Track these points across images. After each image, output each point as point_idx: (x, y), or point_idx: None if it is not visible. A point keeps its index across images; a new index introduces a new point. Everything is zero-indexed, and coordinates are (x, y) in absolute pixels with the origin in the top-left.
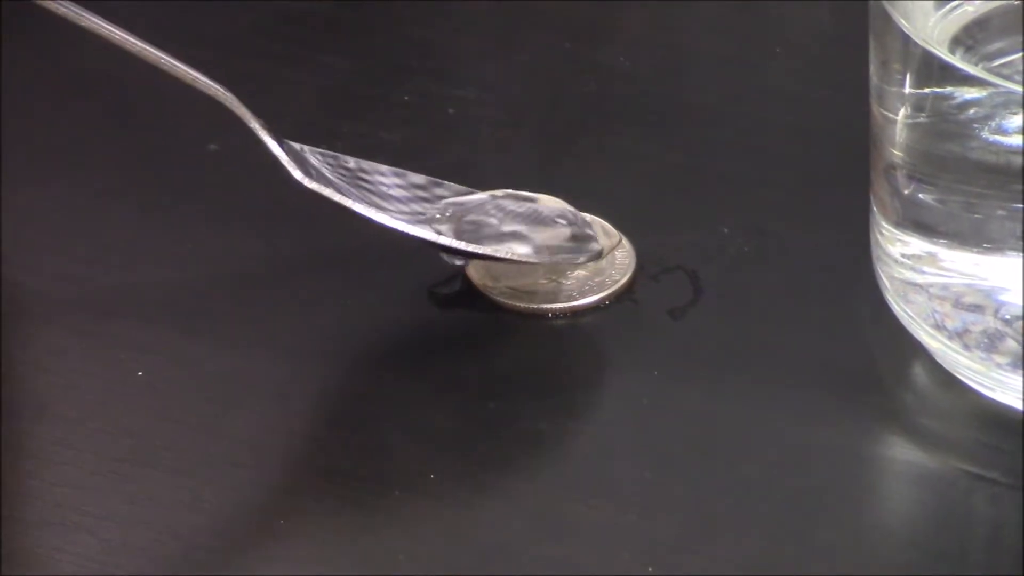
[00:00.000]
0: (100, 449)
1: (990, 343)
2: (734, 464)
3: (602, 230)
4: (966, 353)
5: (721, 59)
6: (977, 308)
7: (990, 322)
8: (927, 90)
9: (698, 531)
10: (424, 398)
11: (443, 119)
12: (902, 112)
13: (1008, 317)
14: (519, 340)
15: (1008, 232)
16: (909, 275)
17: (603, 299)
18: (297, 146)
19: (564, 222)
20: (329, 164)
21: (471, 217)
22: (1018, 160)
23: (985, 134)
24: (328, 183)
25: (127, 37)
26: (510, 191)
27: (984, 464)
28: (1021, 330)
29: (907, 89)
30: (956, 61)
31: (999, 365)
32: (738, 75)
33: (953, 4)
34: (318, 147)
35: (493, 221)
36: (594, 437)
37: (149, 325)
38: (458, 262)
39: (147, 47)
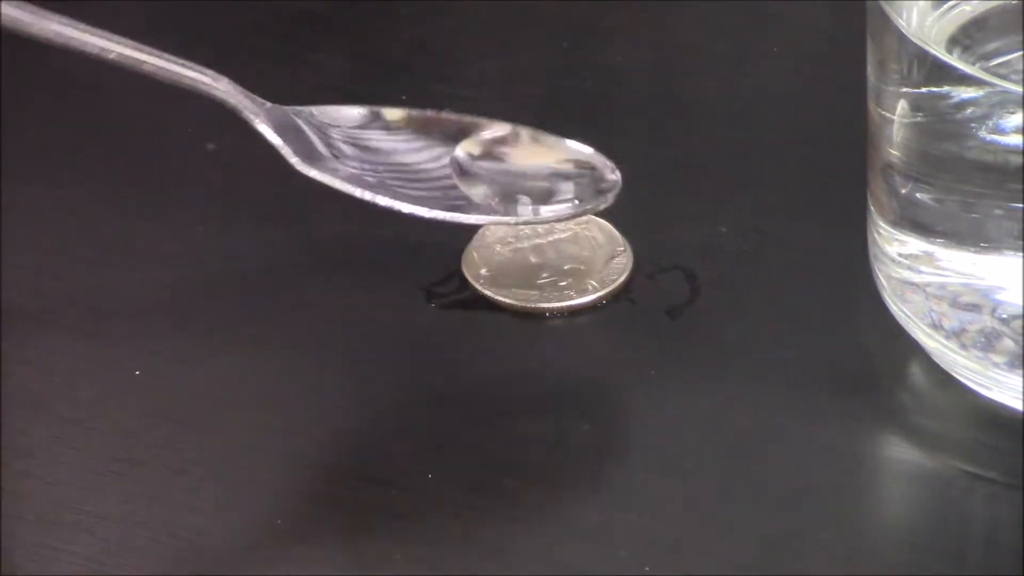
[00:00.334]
0: (98, 448)
1: (987, 342)
2: (731, 464)
3: (599, 229)
4: (963, 352)
5: (718, 58)
6: (974, 307)
7: (987, 321)
8: (924, 89)
9: (696, 531)
10: (421, 397)
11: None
12: (899, 111)
13: (1005, 316)
14: (516, 340)
15: (1005, 231)
16: (906, 274)
17: (600, 298)
18: (297, 117)
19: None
20: (328, 134)
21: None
22: (1015, 159)
23: (982, 133)
24: (328, 168)
25: (106, 44)
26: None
27: (981, 463)
28: (1018, 329)
29: (904, 88)
30: (953, 61)
31: (996, 364)
32: (736, 74)
33: (950, 4)
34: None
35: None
36: (591, 436)
37: (147, 325)
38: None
39: (128, 51)
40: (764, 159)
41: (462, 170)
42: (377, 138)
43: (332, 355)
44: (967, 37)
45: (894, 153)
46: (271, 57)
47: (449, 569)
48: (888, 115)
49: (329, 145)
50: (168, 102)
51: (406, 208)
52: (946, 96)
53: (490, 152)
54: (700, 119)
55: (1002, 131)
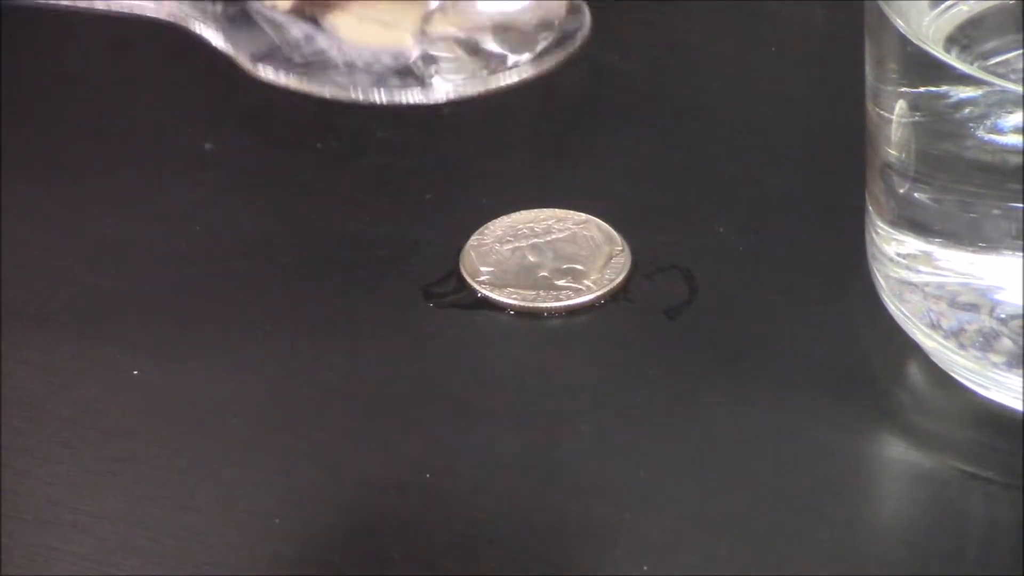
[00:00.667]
0: (96, 448)
1: (986, 342)
2: (729, 463)
3: (598, 229)
4: (962, 352)
5: (716, 58)
6: (973, 307)
7: (986, 321)
8: (922, 89)
9: (693, 530)
10: (419, 397)
11: (438, 117)
12: (897, 111)
13: (1004, 316)
14: (514, 339)
15: (1004, 231)
16: (904, 274)
17: (598, 298)
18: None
19: None
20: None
21: None
22: (1014, 159)
23: (981, 133)
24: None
25: None
26: None
27: (980, 463)
28: (1016, 329)
29: (902, 88)
30: (951, 60)
31: (995, 364)
32: (733, 74)
33: (948, 3)
34: (315, 145)
35: None
36: (589, 436)
37: (145, 324)
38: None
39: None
40: (762, 159)
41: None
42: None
43: (328, 354)
44: (965, 36)
45: (892, 153)
46: None
47: (449, 569)
48: (886, 115)
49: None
50: (167, 102)
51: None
52: (944, 95)
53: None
54: (698, 118)
55: (1000, 130)
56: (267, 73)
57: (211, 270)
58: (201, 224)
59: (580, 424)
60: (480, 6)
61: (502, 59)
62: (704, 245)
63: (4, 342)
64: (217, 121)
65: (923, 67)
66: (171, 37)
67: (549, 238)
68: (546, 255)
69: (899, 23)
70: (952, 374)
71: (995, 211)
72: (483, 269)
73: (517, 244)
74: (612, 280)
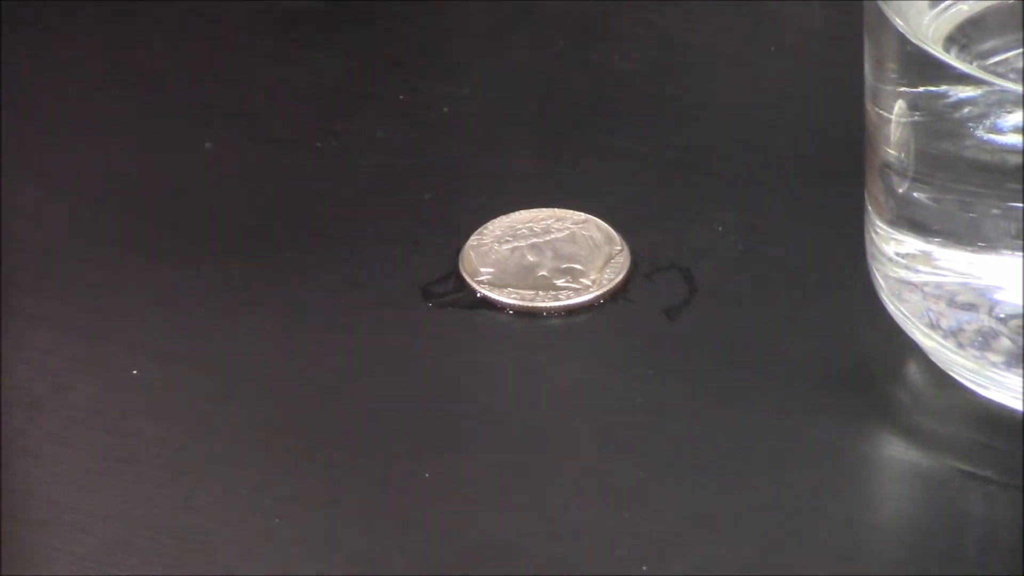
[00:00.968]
0: (96, 448)
1: (984, 342)
2: (728, 463)
3: (597, 229)
4: (960, 352)
5: (715, 57)
6: (971, 307)
7: (984, 321)
8: (922, 88)
9: (692, 530)
10: (418, 397)
11: (438, 117)
12: (897, 111)
13: (1002, 316)
14: (513, 339)
15: (1003, 231)
16: (903, 274)
17: (598, 298)
18: None
19: None
20: None
21: None
22: (1013, 158)
23: (980, 133)
24: None
25: None
26: None
27: (979, 463)
28: (1015, 328)
29: (902, 88)
30: (951, 59)
31: (993, 364)
32: (733, 73)
33: (947, 3)
34: (315, 145)
35: None
36: (589, 436)
37: (144, 324)
38: None
39: None
40: (761, 158)
41: None
42: None
43: (327, 354)
44: (964, 36)
45: (892, 152)
46: (267, 56)
47: (448, 569)
48: (886, 114)
49: None
50: (166, 102)
51: None
52: (943, 95)
53: None
54: (697, 118)
55: (999, 130)
56: None
57: (211, 270)
58: (201, 224)
59: (579, 423)
60: None
61: None
62: (704, 245)
63: (4, 342)
64: (215, 119)
65: (922, 67)
66: (171, 34)
67: (548, 238)
68: (545, 255)
69: (898, 23)
70: (951, 374)
71: (994, 211)
72: (482, 269)
73: (516, 244)
74: (611, 280)
